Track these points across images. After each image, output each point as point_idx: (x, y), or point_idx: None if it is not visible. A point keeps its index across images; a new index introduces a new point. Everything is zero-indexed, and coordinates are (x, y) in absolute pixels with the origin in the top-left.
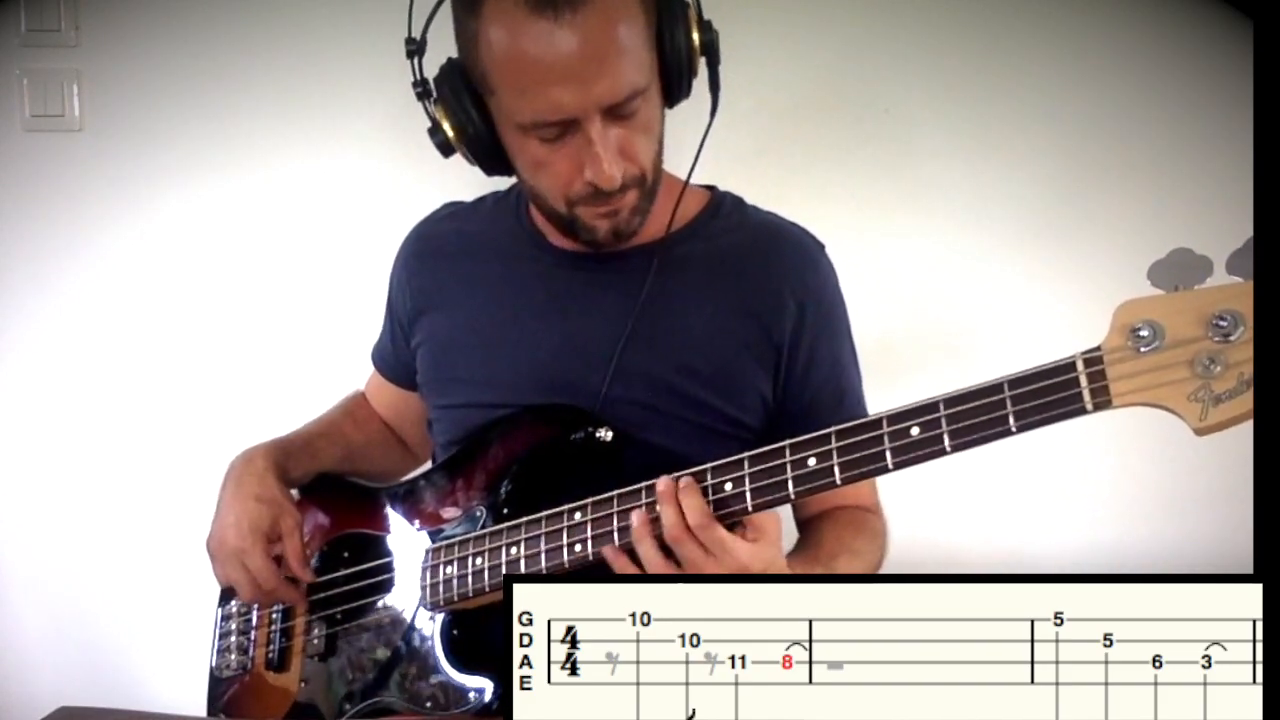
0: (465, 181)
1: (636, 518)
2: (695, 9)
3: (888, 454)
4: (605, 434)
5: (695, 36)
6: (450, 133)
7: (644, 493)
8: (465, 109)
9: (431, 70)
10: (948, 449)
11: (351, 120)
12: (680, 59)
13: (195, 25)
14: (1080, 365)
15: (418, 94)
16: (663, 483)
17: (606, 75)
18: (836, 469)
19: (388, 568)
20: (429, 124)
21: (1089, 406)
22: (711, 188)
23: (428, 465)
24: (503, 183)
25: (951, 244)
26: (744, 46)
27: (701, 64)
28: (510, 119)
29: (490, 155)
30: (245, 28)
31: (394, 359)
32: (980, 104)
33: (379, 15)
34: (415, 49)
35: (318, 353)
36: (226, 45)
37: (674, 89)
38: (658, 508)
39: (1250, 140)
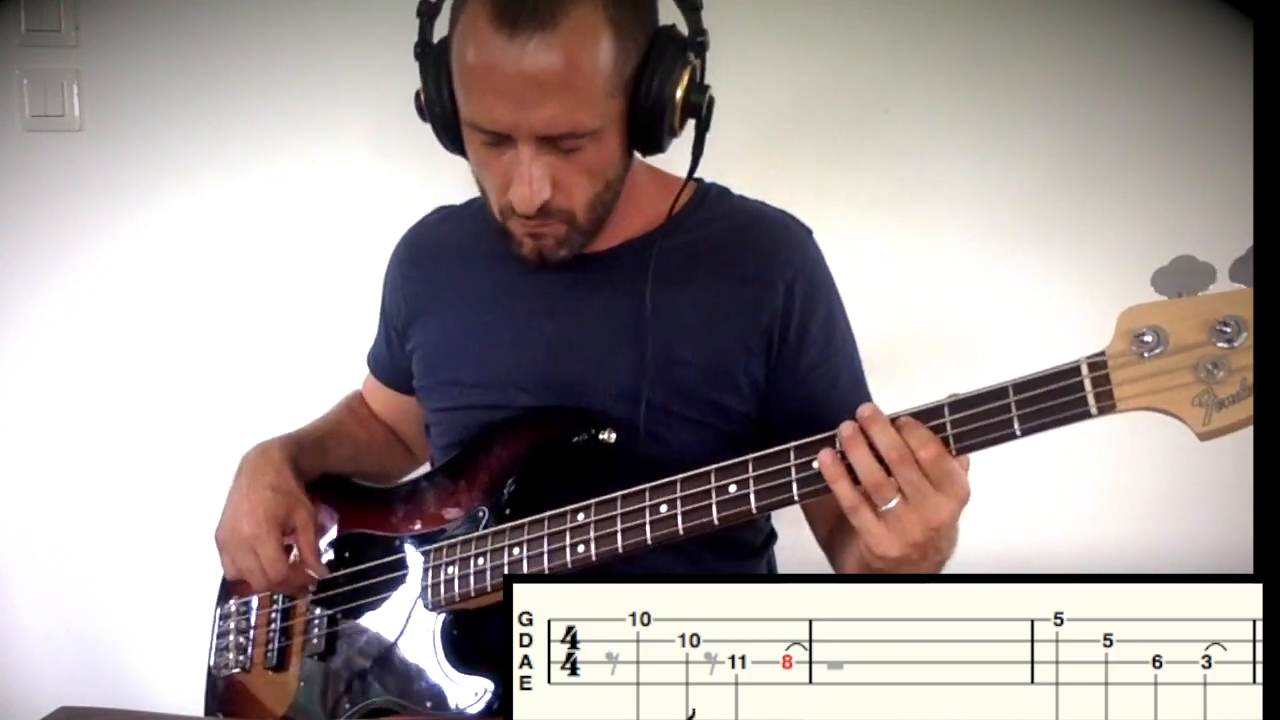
0: (458, 184)
1: (827, 455)
2: (696, 68)
3: None
4: (608, 435)
5: (679, 93)
6: (423, 100)
7: (647, 494)
8: (439, 85)
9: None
10: (953, 452)
11: (350, 121)
12: (651, 111)
13: (195, 25)
14: (1085, 370)
15: (416, 54)
16: (868, 409)
17: (547, 107)
18: None
19: (388, 568)
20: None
21: (1093, 411)
22: (697, 180)
23: (428, 467)
24: None
25: (953, 246)
26: (744, 46)
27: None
28: (461, 111)
29: (450, 135)
30: (245, 28)
31: (389, 364)
32: (981, 105)
33: (379, 17)
34: (427, 11)
35: (317, 352)
36: (226, 46)
37: (640, 140)
38: (872, 431)
39: (1251, 143)
